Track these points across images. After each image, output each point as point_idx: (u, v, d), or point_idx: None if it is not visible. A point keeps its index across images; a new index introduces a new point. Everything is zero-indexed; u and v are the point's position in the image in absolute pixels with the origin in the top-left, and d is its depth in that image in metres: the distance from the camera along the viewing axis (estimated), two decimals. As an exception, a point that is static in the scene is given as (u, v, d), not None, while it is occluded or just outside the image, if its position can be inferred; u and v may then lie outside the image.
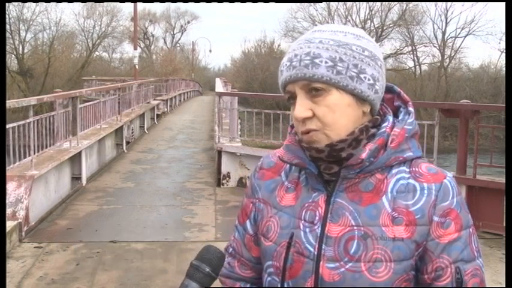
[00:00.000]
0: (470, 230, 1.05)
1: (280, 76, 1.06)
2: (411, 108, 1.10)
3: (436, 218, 1.02)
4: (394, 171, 1.06)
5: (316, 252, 1.05)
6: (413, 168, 1.06)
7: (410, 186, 1.04)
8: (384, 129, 1.06)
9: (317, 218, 1.06)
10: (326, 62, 1.00)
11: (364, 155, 1.02)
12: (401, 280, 1.02)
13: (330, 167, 1.05)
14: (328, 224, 1.05)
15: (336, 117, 1.02)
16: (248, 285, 1.23)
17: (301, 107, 1.02)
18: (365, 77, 1.02)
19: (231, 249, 1.25)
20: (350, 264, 1.02)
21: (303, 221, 1.08)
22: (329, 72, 1.00)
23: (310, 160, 1.07)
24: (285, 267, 1.08)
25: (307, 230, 1.07)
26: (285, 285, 1.08)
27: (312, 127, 1.02)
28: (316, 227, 1.06)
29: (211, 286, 1.24)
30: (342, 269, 1.02)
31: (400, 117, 1.09)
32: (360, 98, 1.03)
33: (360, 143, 1.04)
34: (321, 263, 1.04)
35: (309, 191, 1.10)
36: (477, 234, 1.08)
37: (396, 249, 1.01)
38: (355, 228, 1.03)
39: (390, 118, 1.08)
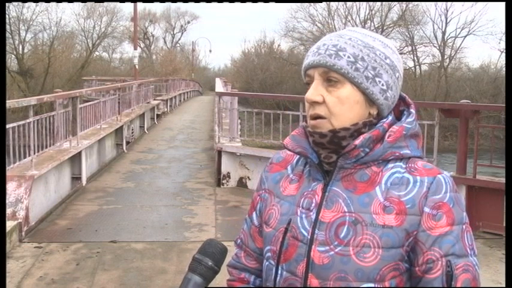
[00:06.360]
0: (464, 226, 1.06)
1: (305, 60, 1.14)
2: (412, 110, 1.16)
3: (427, 210, 1.04)
4: (390, 165, 1.10)
5: (309, 237, 1.09)
6: (410, 165, 1.10)
7: (404, 179, 1.08)
8: (381, 124, 1.11)
9: (313, 204, 1.12)
10: (348, 57, 1.08)
11: (357, 142, 1.07)
12: (389, 268, 1.04)
13: (329, 156, 1.11)
14: (323, 210, 1.10)
15: (343, 109, 1.08)
16: (252, 278, 1.28)
17: (315, 91, 1.09)
18: (379, 81, 1.09)
19: (239, 240, 1.31)
20: (339, 248, 1.06)
21: (300, 208, 1.14)
22: (348, 66, 1.07)
23: (312, 150, 1.13)
24: (280, 251, 1.13)
25: (304, 215, 1.12)
26: (279, 269, 1.13)
27: (320, 113, 1.09)
28: (311, 213, 1.12)
29: (217, 286, 1.25)
30: (332, 253, 1.06)
31: (402, 119, 1.14)
32: (369, 99, 1.09)
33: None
34: (313, 246, 1.08)
35: (310, 181, 1.16)
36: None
37: (385, 236, 1.04)
38: (346, 214, 1.08)
39: (390, 117, 1.13)
